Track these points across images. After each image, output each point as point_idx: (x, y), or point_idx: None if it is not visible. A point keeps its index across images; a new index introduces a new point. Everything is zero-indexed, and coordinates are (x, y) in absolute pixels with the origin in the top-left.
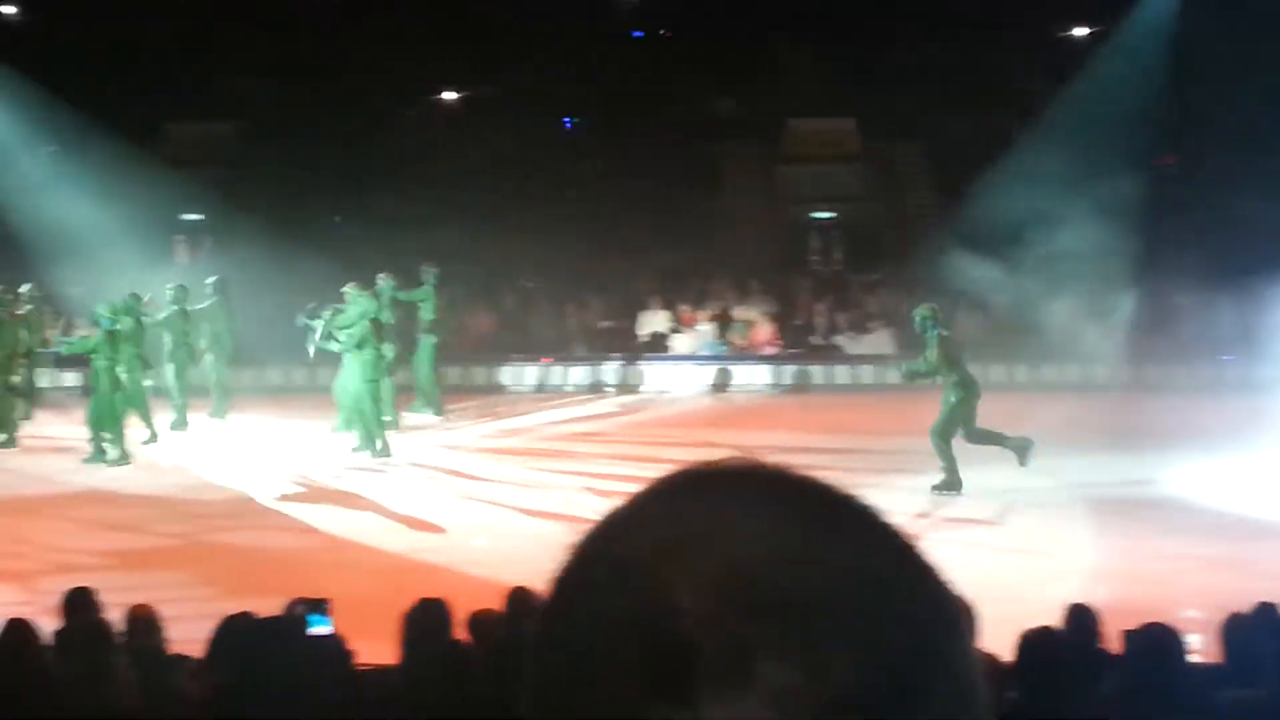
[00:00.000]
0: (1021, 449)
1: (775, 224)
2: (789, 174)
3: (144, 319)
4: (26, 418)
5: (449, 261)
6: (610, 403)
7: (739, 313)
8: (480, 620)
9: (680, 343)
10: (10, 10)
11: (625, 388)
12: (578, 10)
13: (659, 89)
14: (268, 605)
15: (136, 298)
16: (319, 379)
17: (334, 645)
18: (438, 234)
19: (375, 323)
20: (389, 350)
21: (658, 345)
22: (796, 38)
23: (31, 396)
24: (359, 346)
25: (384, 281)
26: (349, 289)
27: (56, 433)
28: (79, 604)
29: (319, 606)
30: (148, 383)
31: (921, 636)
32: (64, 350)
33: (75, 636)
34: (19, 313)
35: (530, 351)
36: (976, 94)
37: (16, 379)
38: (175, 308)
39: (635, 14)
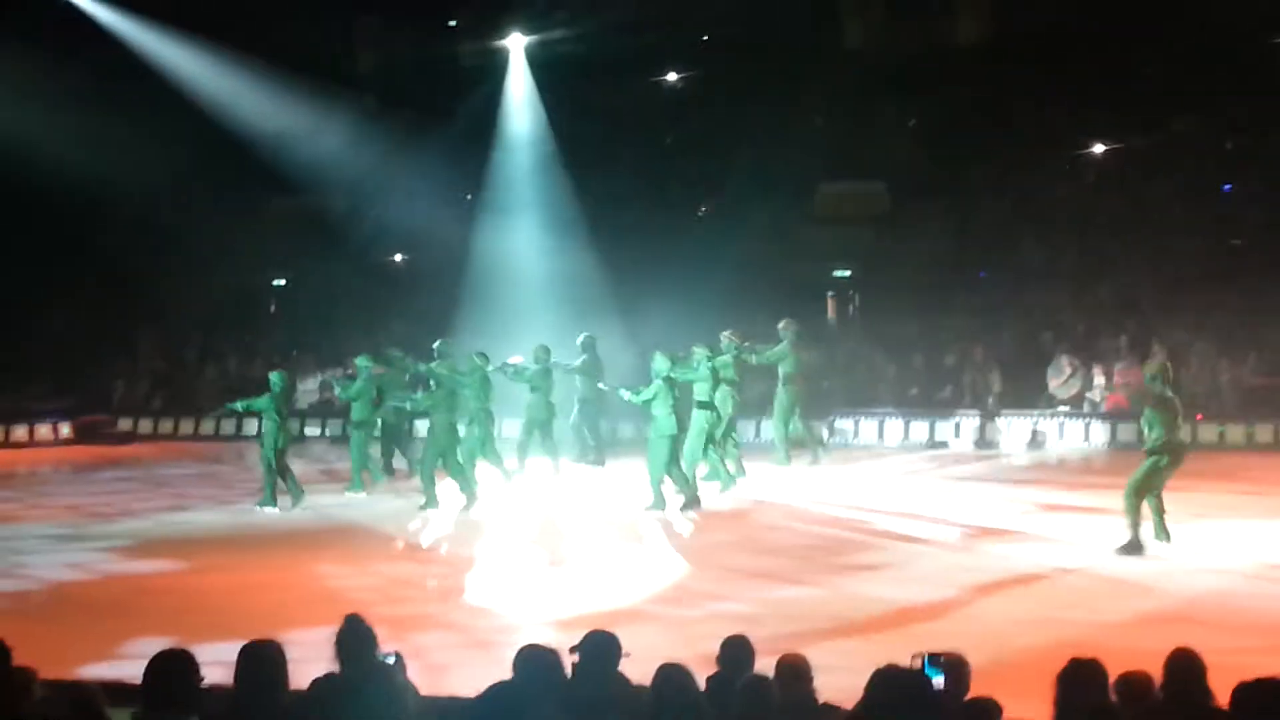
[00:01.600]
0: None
1: None
2: None
3: (491, 374)
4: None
5: (1097, 315)
6: None
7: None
8: (1129, 682)
9: None
10: (673, 77)
11: None
12: (1240, 60)
13: None
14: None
15: (484, 356)
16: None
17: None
18: (1088, 288)
19: (669, 381)
20: (726, 407)
21: None
22: None
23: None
24: (647, 404)
25: (727, 340)
26: (697, 350)
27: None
28: (734, 651)
29: (935, 659)
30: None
31: None
32: (408, 406)
33: (729, 685)
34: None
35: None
36: None
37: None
38: (539, 365)
39: None
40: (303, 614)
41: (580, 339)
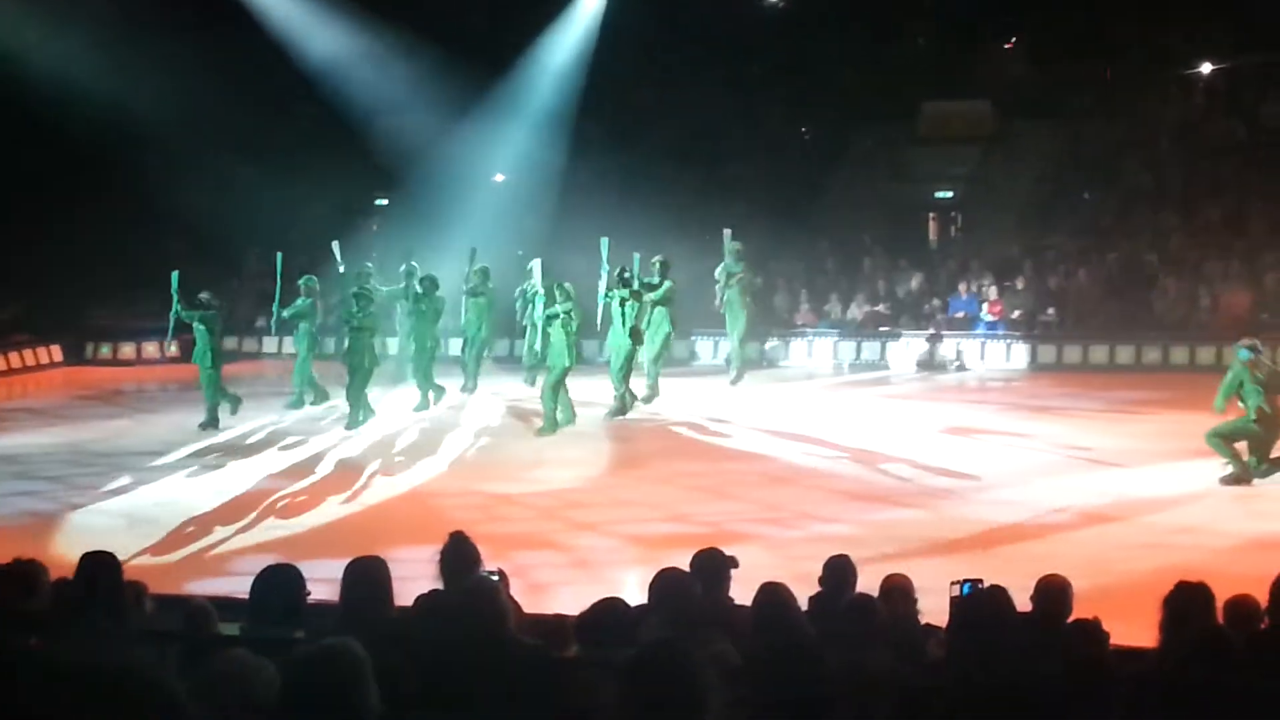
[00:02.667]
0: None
1: None
2: None
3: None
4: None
5: (1205, 238)
6: None
7: None
8: (1237, 606)
9: None
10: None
11: None
12: None
13: None
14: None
15: (433, 279)
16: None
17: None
18: (1196, 210)
19: (570, 315)
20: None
21: None
22: None
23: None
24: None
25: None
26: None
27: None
28: (837, 571)
29: (974, 584)
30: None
31: None
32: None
33: (832, 605)
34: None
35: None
36: None
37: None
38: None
39: None
40: (406, 532)
41: (532, 264)
